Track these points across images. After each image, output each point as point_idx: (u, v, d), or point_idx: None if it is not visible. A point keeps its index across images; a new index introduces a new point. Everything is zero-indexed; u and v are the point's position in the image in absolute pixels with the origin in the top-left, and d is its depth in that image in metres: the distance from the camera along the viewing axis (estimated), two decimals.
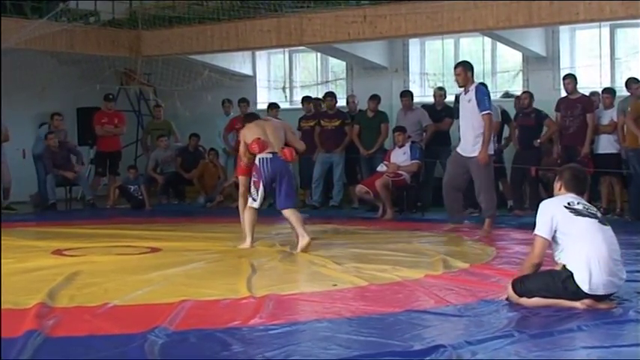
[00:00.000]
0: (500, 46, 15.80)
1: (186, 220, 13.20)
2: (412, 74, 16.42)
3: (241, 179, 10.06)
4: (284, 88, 18.46)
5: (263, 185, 9.31)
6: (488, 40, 15.87)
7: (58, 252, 9.17)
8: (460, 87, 10.71)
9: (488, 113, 10.33)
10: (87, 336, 5.23)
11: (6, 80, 16.05)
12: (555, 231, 5.98)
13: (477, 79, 14.60)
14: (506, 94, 15.48)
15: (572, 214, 5.98)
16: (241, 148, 9.77)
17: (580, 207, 6.04)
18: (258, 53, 18.33)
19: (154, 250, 9.36)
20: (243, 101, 16.10)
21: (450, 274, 7.50)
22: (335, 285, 6.95)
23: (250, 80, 18.47)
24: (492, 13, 13.61)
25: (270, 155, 9.36)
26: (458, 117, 11.00)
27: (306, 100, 15.82)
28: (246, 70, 18.51)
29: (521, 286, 6.03)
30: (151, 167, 16.40)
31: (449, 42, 16.44)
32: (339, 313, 5.82)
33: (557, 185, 6.28)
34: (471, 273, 7.56)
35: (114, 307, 6.04)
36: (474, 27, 14.17)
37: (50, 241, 10.12)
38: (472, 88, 10.46)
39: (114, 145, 16.27)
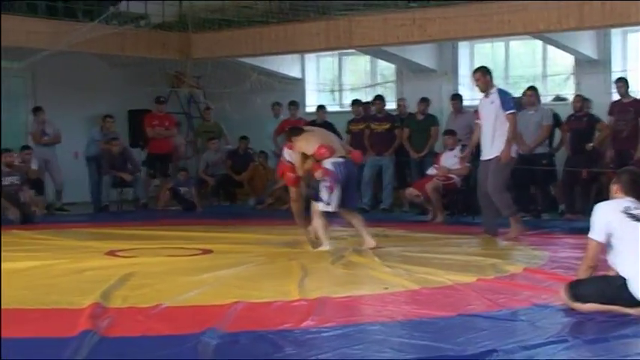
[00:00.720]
0: (550, 49, 15.66)
1: (237, 221, 13.22)
2: (461, 77, 16.33)
3: (292, 190, 10.05)
4: (333, 91, 18.48)
5: (338, 188, 9.30)
6: (538, 43, 15.75)
7: (112, 253, 9.25)
8: (482, 92, 10.67)
9: (513, 113, 10.34)
10: (140, 336, 5.27)
11: (58, 83, 16.26)
12: (610, 235, 5.90)
13: (528, 83, 14.66)
14: (558, 98, 15.36)
15: (629, 219, 5.87)
16: (297, 161, 9.67)
17: (637, 212, 5.92)
18: (307, 56, 18.35)
19: (206, 251, 9.40)
20: (293, 104, 16.16)
21: (502, 278, 7.45)
22: (386, 288, 6.93)
23: (299, 83, 18.49)
24: (543, 15, 13.51)
25: (342, 159, 9.41)
26: None
27: (355, 103, 15.83)
28: (295, 73, 18.54)
29: (576, 290, 5.96)
30: (201, 169, 16.50)
31: (499, 45, 16.37)
32: (391, 317, 5.80)
33: (613, 188, 6.18)
34: (524, 277, 7.50)
35: (167, 308, 6.07)
36: (524, 30, 14.08)
37: (103, 242, 10.22)
38: (494, 91, 10.47)
39: (165, 147, 16.37)
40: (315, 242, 9.61)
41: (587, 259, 6.03)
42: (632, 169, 6.57)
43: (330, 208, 9.39)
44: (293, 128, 10.59)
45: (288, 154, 9.94)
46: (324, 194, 9.32)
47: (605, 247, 5.98)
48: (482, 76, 10.51)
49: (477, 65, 15.96)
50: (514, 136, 10.39)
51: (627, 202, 6.01)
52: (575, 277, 6.23)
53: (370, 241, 9.46)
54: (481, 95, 10.73)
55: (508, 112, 10.28)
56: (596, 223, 5.98)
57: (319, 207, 9.43)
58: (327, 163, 9.33)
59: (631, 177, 6.14)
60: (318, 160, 9.43)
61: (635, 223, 5.87)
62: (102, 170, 15.50)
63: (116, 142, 15.57)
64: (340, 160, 9.41)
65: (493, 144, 10.35)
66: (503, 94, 10.44)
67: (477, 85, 10.67)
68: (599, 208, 6.08)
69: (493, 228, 10.63)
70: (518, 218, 10.67)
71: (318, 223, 9.49)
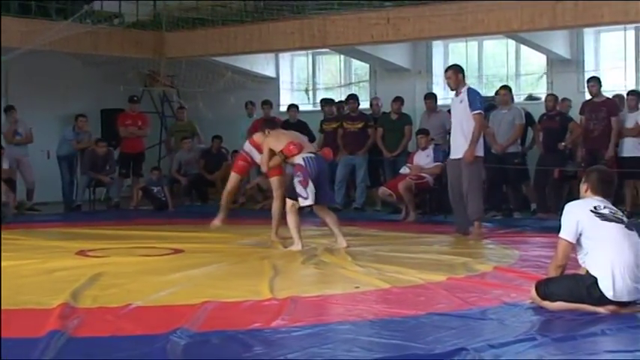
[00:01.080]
0: (524, 48, 15.74)
1: (209, 221, 13.16)
2: (436, 76, 16.37)
3: (275, 180, 10.18)
4: (307, 90, 18.47)
5: (311, 182, 9.36)
6: (512, 43, 15.83)
7: (82, 253, 9.22)
8: (452, 90, 10.73)
9: (479, 113, 10.37)
10: (110, 336, 5.24)
11: (30, 82, 16.16)
12: (580, 235, 5.92)
13: (501, 82, 14.73)
14: (530, 97, 15.43)
15: (598, 219, 5.90)
16: (264, 157, 9.87)
17: (606, 211, 5.95)
18: (281, 55, 18.36)
19: (177, 251, 9.38)
20: (266, 103, 16.13)
21: (473, 277, 7.48)
22: (357, 287, 6.94)
23: (273, 82, 18.49)
24: (516, 15, 13.56)
25: (313, 154, 9.56)
26: None
27: (327, 102, 15.84)
28: (270, 72, 18.54)
29: (545, 289, 5.99)
30: (174, 169, 16.45)
31: (473, 44, 16.43)
32: (361, 316, 5.80)
33: (583, 187, 6.20)
34: (494, 276, 7.54)
35: (137, 307, 6.05)
36: (498, 29, 14.13)
37: (74, 241, 10.18)
38: (464, 90, 10.50)
39: (137, 146, 16.35)
40: (286, 242, 9.63)
41: (557, 259, 6.05)
42: (601, 168, 6.61)
43: (308, 202, 9.42)
44: (270, 121, 10.76)
45: (248, 148, 10.26)
46: (299, 189, 9.36)
47: (576, 246, 6.00)
48: (454, 74, 10.54)
49: (451, 64, 16.12)
50: (479, 137, 10.41)
51: (596, 201, 6.03)
52: (545, 275, 6.26)
53: (342, 242, 9.53)
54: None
55: (475, 111, 10.31)
56: (566, 222, 6.00)
57: (300, 202, 9.42)
58: (298, 159, 9.46)
59: (599, 176, 6.17)
60: (286, 157, 9.61)
61: (604, 222, 5.90)
62: (81, 169, 15.53)
63: (102, 143, 15.56)
64: (311, 155, 9.53)
65: (461, 143, 10.39)
66: (472, 93, 10.47)
67: (448, 84, 10.72)
68: (569, 208, 6.11)
69: (464, 227, 10.66)
70: (481, 225, 10.69)
71: (291, 222, 9.50)
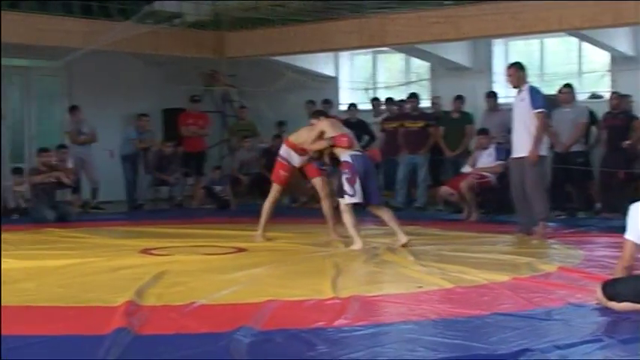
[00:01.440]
0: (586, 46, 15.56)
1: (271, 220, 13.21)
2: (496, 75, 16.25)
3: (318, 181, 10.23)
4: (367, 89, 18.44)
5: (359, 180, 9.34)
6: (574, 40, 15.65)
7: (146, 251, 9.29)
8: (513, 87, 10.61)
9: (541, 112, 10.24)
10: (174, 334, 5.28)
11: (94, 82, 16.33)
12: None
13: (563, 80, 14.56)
14: (593, 95, 15.25)
15: None
16: (314, 136, 9.79)
17: None
18: (341, 54, 18.36)
19: (240, 250, 9.43)
20: (326, 102, 16.14)
21: (537, 277, 7.39)
22: (420, 287, 6.91)
23: (333, 81, 18.50)
24: (578, 12, 13.42)
25: (360, 153, 9.56)
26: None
27: (387, 101, 15.81)
28: (329, 72, 18.55)
29: (612, 289, 5.90)
30: (235, 168, 16.54)
31: (534, 42, 16.28)
32: (424, 315, 5.78)
33: None
34: (559, 276, 7.44)
35: (200, 306, 6.08)
36: (559, 27, 13.98)
37: (138, 240, 10.28)
38: (525, 88, 10.39)
39: (199, 145, 16.48)
40: (346, 241, 9.61)
41: (623, 259, 5.98)
42: None
43: (355, 199, 9.39)
44: (321, 110, 10.83)
45: (285, 151, 10.20)
46: (346, 187, 9.35)
47: None
48: (516, 71, 10.45)
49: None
50: (542, 135, 10.29)
51: None
52: (612, 276, 6.18)
53: (402, 237, 9.45)
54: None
55: (536, 110, 10.20)
56: (632, 223, 5.93)
57: (345, 200, 9.41)
58: (345, 155, 9.44)
59: None
60: (333, 146, 9.58)
61: None
62: (146, 169, 15.74)
63: (169, 143, 15.74)
64: (357, 153, 9.54)
65: (523, 142, 10.30)
66: (533, 91, 10.35)
67: (509, 81, 10.59)
68: (634, 208, 6.03)
69: (528, 226, 10.56)
70: (545, 225, 10.57)
71: (347, 221, 9.47)
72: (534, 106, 10.20)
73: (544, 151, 10.42)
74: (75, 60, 15.43)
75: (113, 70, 16.90)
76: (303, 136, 10.09)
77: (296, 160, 10.19)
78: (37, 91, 17.13)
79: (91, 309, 6.09)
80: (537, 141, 10.20)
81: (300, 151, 10.09)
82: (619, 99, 13.23)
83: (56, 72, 16.97)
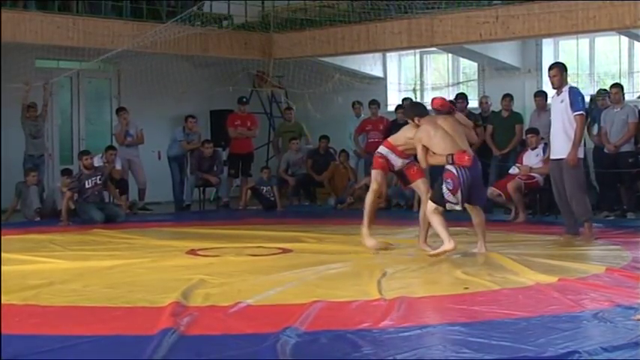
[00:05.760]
0: (636, 45, 15.38)
1: (317, 221, 13.25)
2: (545, 75, 16.09)
3: (421, 183, 9.40)
4: (415, 90, 18.39)
5: (461, 191, 8.63)
6: (624, 39, 15.48)
7: (192, 252, 9.35)
8: (554, 88, 10.48)
9: (581, 114, 10.10)
10: (220, 335, 5.30)
11: (141, 83, 16.45)
12: None
13: (613, 80, 14.41)
14: None
15: None
16: (420, 154, 8.91)
17: None
18: (388, 55, 18.33)
19: (286, 250, 9.45)
20: (374, 103, 16.14)
21: (585, 279, 7.31)
22: (467, 288, 6.88)
23: (381, 82, 18.48)
24: (629, 11, 13.25)
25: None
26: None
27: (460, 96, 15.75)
28: (377, 72, 18.53)
29: None
30: (282, 169, 16.58)
31: (584, 42, 16.13)
32: (470, 317, 5.75)
33: None
34: (606, 278, 7.36)
35: (247, 306, 6.10)
36: (610, 26, 13.82)
37: (185, 241, 10.34)
38: (565, 89, 10.27)
39: (246, 146, 16.54)
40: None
41: None
42: None
43: (457, 207, 8.80)
44: (418, 106, 9.92)
45: (385, 151, 9.39)
46: (448, 196, 8.66)
47: None
48: (559, 72, 10.34)
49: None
50: (581, 138, 10.17)
51: None
52: None
53: (482, 247, 9.03)
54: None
55: (576, 112, 10.07)
56: None
57: (447, 207, 8.77)
58: (451, 167, 8.67)
59: None
60: (453, 163, 8.65)
61: None
62: (190, 170, 15.81)
63: (208, 144, 15.79)
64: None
65: (562, 143, 10.19)
66: (573, 94, 10.20)
67: (552, 82, 10.47)
68: None
69: (574, 227, 10.46)
70: (591, 226, 10.44)
71: (436, 222, 8.81)
72: (574, 108, 10.07)
73: (581, 153, 10.30)
74: (124, 62, 15.55)
75: (161, 71, 17.02)
76: (402, 138, 9.32)
77: (394, 160, 9.37)
78: (87, 93, 17.31)
79: (137, 309, 6.14)
80: (577, 144, 10.10)
81: (400, 153, 9.36)
82: None
83: (105, 74, 17.13)
